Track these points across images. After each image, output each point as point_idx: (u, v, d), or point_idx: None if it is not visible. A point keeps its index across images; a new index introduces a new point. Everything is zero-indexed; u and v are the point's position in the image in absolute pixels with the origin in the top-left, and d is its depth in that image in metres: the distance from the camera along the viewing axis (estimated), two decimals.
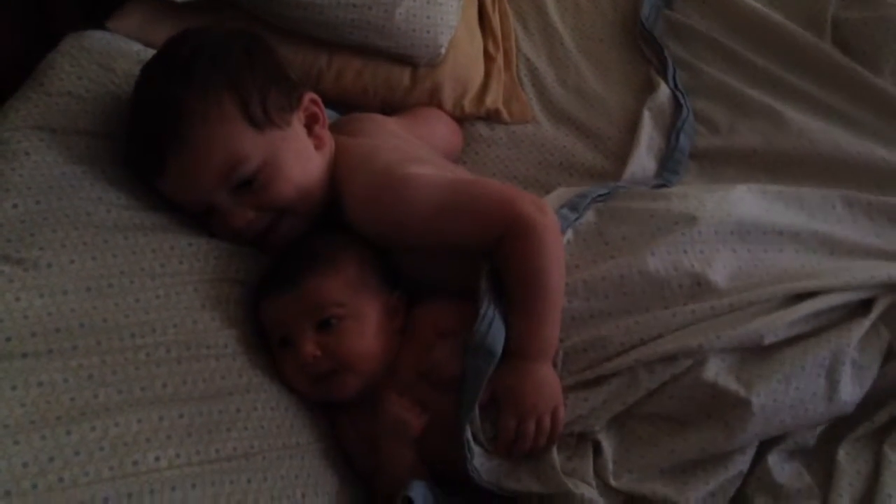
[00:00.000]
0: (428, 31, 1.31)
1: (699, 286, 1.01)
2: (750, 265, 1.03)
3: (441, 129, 1.34)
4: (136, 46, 1.21)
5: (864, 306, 1.01)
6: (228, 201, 1.04)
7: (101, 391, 0.89)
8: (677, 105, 1.36)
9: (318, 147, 1.11)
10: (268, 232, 1.08)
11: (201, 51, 1.05)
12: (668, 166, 1.30)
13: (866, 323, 0.99)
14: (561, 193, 1.15)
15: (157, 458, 0.87)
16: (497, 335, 0.99)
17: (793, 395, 0.96)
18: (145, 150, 1.04)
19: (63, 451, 0.82)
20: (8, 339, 0.87)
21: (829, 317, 1.00)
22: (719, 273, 1.02)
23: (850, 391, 0.98)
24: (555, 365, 1.02)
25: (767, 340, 0.98)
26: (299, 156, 1.07)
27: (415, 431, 1.02)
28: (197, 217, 1.07)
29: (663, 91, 1.37)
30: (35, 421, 0.83)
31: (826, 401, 0.97)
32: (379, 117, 1.27)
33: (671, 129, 1.34)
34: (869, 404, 0.99)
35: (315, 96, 1.13)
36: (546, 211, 1.02)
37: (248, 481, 0.92)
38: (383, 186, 1.05)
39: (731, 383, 0.97)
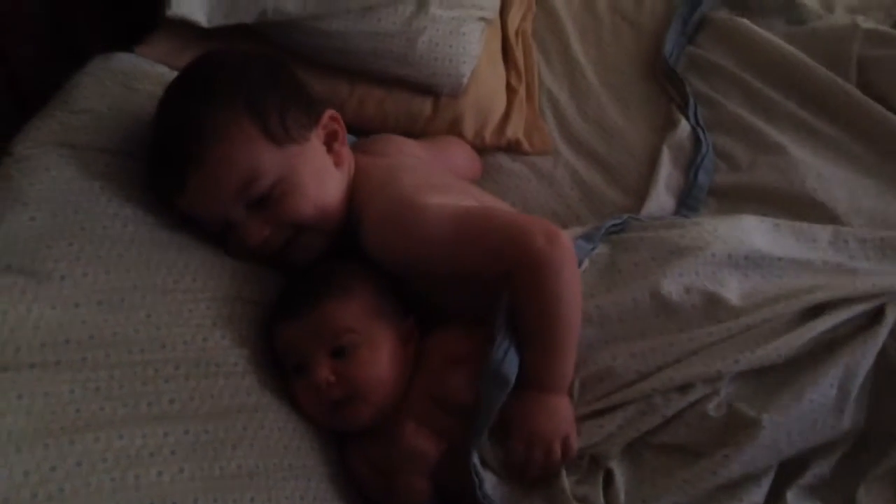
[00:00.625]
0: (450, 61, 1.32)
1: (713, 305, 1.00)
2: (763, 285, 1.02)
3: (460, 156, 1.34)
4: (161, 69, 1.23)
5: (875, 317, 0.99)
6: (245, 217, 1.05)
7: (108, 404, 0.88)
8: (697, 141, 1.35)
9: (337, 164, 1.11)
10: (285, 249, 1.08)
11: (222, 69, 1.07)
12: (687, 203, 1.29)
13: (882, 331, 0.97)
14: (576, 230, 1.15)
15: (159, 473, 0.86)
16: (512, 363, 0.98)
17: (806, 408, 0.94)
18: (165, 168, 1.05)
19: (65, 461, 0.82)
20: (17, 350, 0.87)
21: (844, 329, 0.98)
22: (733, 291, 1.01)
23: (853, 405, 0.95)
24: (571, 395, 1.00)
25: (784, 358, 0.96)
26: (317, 172, 1.08)
27: (433, 461, 1.00)
28: (215, 236, 1.07)
29: (683, 127, 1.36)
30: (39, 430, 0.83)
31: (836, 413, 0.95)
32: (400, 139, 1.28)
33: (690, 165, 1.33)
34: (888, 440, 0.96)
35: (335, 113, 1.13)
36: (557, 241, 0.99)
37: (251, 500, 0.90)
38: (398, 214, 1.05)
39: (743, 405, 0.95)
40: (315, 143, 1.09)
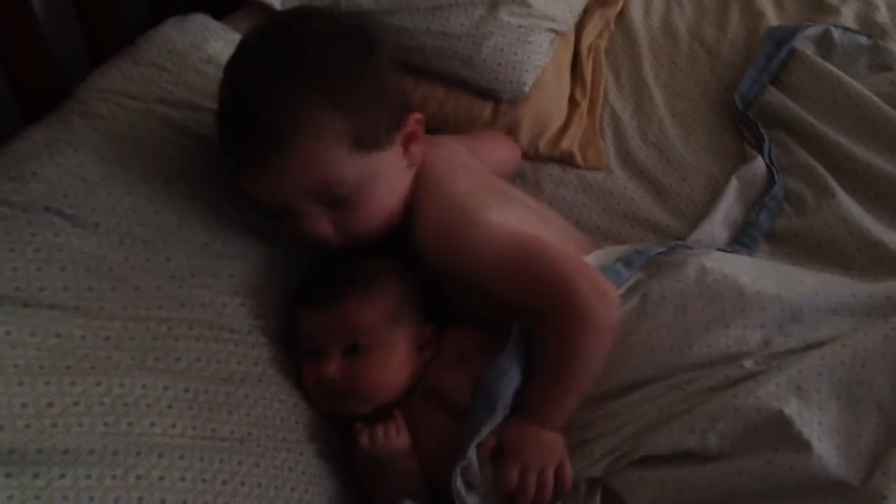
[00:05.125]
0: (513, 68, 1.31)
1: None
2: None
3: (501, 150, 1.32)
4: (233, 35, 1.24)
5: None
6: (311, 208, 1.02)
7: (115, 353, 0.91)
8: (770, 181, 1.30)
9: (409, 165, 1.09)
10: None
11: (316, 50, 1.00)
12: (741, 240, 1.24)
13: None
14: (618, 249, 1.13)
15: (152, 424, 0.89)
16: (505, 389, 0.97)
17: None
18: (244, 144, 1.00)
19: (63, 399, 0.85)
20: (41, 289, 0.91)
21: None
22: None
23: None
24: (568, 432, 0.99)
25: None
26: (394, 181, 1.06)
27: (401, 445, 1.01)
28: (268, 215, 1.06)
29: (758, 164, 1.31)
30: (44, 367, 0.86)
31: None
32: (447, 140, 1.24)
33: (756, 203, 1.28)
34: None
35: (420, 117, 1.09)
36: (606, 298, 0.98)
37: (238, 463, 0.92)
38: (455, 224, 1.04)
39: None
40: (397, 146, 1.06)
